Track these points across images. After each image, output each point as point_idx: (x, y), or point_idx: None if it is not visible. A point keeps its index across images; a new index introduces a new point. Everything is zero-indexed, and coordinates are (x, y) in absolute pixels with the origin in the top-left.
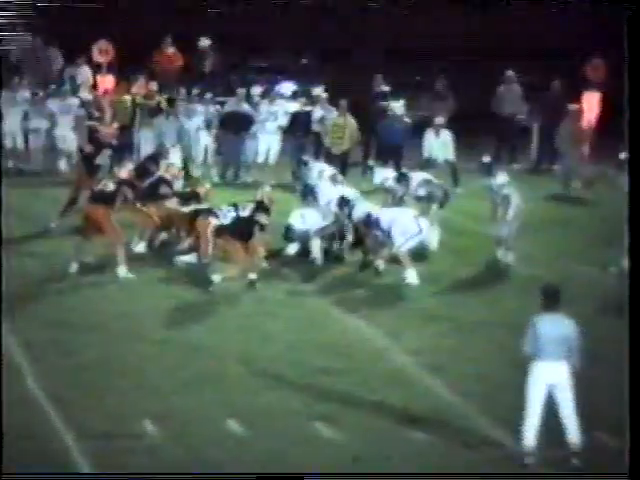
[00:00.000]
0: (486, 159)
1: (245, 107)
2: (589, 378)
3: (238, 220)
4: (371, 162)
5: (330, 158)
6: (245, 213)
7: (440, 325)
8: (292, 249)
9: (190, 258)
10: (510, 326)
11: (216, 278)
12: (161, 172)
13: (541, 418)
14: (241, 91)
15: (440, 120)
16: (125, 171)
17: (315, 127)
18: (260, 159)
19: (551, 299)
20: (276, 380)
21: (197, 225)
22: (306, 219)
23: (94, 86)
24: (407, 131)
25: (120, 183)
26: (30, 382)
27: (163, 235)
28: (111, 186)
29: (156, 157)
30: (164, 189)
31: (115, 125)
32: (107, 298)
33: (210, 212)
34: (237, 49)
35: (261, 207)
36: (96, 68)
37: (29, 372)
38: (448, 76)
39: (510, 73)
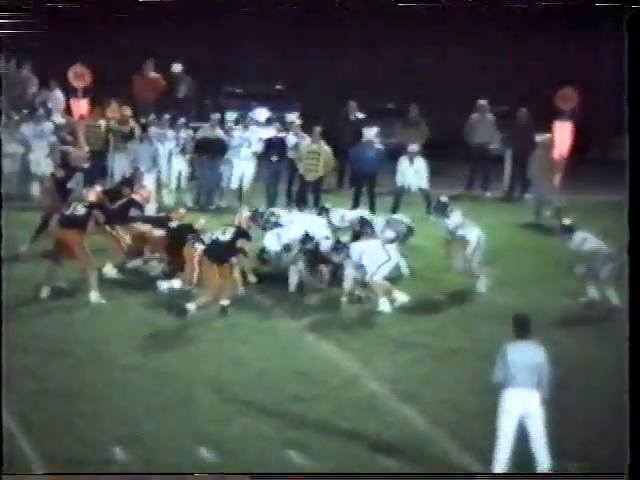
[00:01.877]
0: (443, 198)
1: (218, 133)
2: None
3: (217, 244)
4: (327, 204)
5: (304, 185)
6: (226, 237)
7: (413, 352)
8: (252, 279)
9: (174, 284)
10: (482, 354)
11: (190, 307)
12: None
13: (512, 446)
14: (215, 116)
15: (414, 148)
16: (94, 194)
17: (290, 154)
18: (234, 185)
19: (522, 328)
20: (248, 407)
21: (184, 251)
22: (281, 239)
23: (68, 110)
24: (380, 158)
25: (91, 207)
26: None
27: (137, 260)
28: (82, 210)
29: (130, 180)
30: (134, 211)
31: (86, 149)
32: (78, 323)
33: (197, 238)
34: (211, 75)
35: (241, 232)
36: (70, 92)
37: None
38: (421, 104)
39: (482, 102)
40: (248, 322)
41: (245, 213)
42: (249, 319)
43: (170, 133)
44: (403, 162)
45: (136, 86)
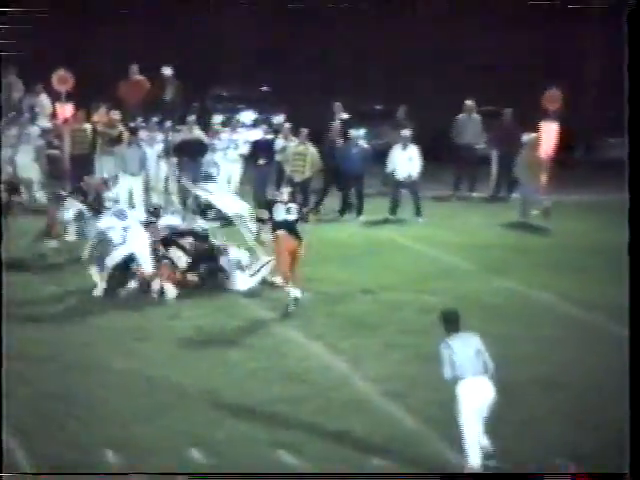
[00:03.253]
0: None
1: (197, 134)
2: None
3: (291, 224)
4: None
5: (292, 186)
6: (294, 216)
7: (401, 352)
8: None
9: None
10: None
11: (295, 292)
12: None
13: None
14: (190, 119)
15: (406, 133)
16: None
17: (277, 156)
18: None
19: (452, 322)
20: (238, 408)
21: (276, 247)
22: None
23: (53, 114)
24: (368, 158)
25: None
26: None
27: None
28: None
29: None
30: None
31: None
32: (68, 327)
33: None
34: (197, 78)
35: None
36: (55, 96)
37: None
38: (408, 105)
39: (470, 102)
40: (237, 324)
41: (287, 189)
42: (238, 320)
43: (159, 136)
44: (396, 148)
45: (122, 90)
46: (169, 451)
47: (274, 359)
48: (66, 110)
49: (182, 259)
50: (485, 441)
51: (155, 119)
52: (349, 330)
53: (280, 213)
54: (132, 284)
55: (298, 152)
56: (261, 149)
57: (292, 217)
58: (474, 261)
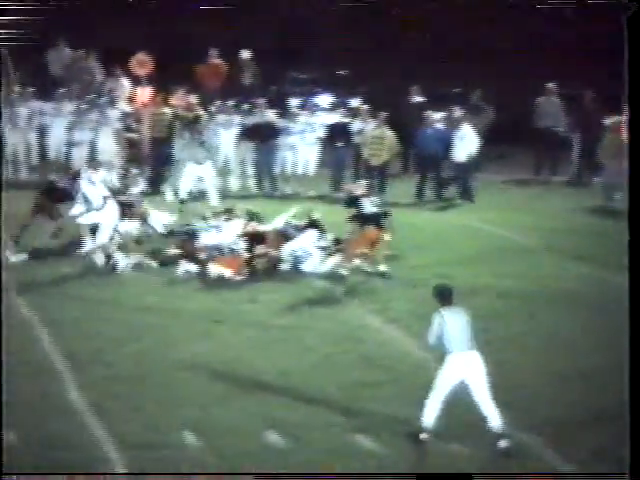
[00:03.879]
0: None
1: (269, 117)
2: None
3: (377, 215)
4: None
5: (369, 170)
6: (374, 209)
7: (478, 337)
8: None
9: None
10: (546, 338)
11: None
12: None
13: (444, 406)
14: (261, 101)
15: (457, 113)
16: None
17: (354, 139)
18: (299, 171)
19: (446, 296)
20: (314, 392)
21: (366, 234)
22: None
23: (132, 98)
24: (445, 142)
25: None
26: (72, 392)
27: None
28: None
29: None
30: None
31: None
32: (145, 310)
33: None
34: (275, 61)
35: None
36: (135, 80)
37: (71, 382)
38: (485, 88)
39: (550, 85)
40: (312, 308)
41: (363, 182)
42: (313, 305)
43: (235, 119)
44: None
45: (201, 73)
46: (246, 434)
47: (350, 344)
48: (145, 94)
49: (240, 244)
50: (497, 421)
51: (232, 102)
52: (426, 315)
53: (367, 207)
54: (192, 267)
55: (376, 135)
56: (338, 132)
57: (379, 210)
58: (553, 245)
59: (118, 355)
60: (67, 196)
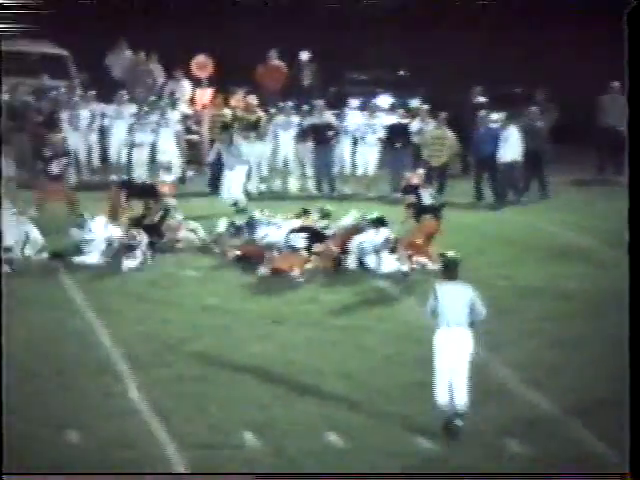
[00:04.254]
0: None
1: (327, 118)
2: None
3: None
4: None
5: (429, 170)
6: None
7: (540, 339)
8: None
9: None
10: (610, 341)
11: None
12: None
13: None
14: (319, 103)
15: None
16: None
17: (414, 139)
18: (359, 171)
19: (450, 270)
20: (375, 393)
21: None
22: None
23: (192, 100)
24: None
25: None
26: (133, 393)
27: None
28: None
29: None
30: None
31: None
32: (206, 310)
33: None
34: (335, 62)
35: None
36: (196, 82)
37: (132, 383)
38: (548, 87)
39: (616, 83)
40: (370, 309)
41: (421, 170)
42: (370, 306)
43: (295, 120)
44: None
45: (260, 74)
46: (306, 434)
47: (409, 344)
48: (205, 95)
49: (300, 242)
50: (462, 400)
51: (291, 103)
52: (487, 316)
53: (427, 198)
54: (263, 270)
55: (436, 136)
56: (397, 133)
57: (437, 201)
58: (614, 247)
59: (179, 355)
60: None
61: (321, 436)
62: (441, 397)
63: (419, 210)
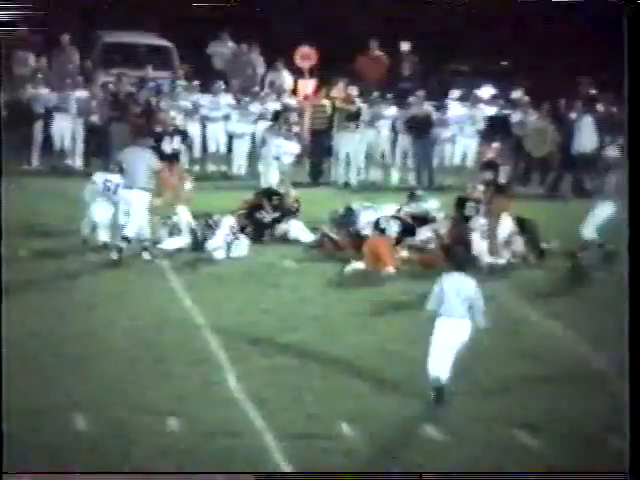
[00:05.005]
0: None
1: (426, 109)
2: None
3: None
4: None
5: (530, 162)
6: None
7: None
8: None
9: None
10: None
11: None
12: None
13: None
14: (420, 93)
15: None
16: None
17: (515, 130)
18: (457, 162)
19: (459, 262)
20: (472, 386)
21: None
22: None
23: (294, 90)
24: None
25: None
26: (232, 382)
27: None
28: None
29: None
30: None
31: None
32: (304, 301)
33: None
34: (436, 52)
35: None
36: (296, 72)
37: (231, 373)
38: None
39: None
40: None
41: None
42: None
43: (395, 111)
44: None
45: (361, 65)
46: (404, 427)
47: (509, 337)
48: (308, 86)
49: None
50: (445, 376)
51: (391, 94)
52: (587, 310)
53: (502, 175)
54: (357, 265)
55: (538, 128)
56: (498, 124)
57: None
58: None
59: (277, 346)
60: None
61: (419, 429)
62: (434, 371)
63: (497, 188)
